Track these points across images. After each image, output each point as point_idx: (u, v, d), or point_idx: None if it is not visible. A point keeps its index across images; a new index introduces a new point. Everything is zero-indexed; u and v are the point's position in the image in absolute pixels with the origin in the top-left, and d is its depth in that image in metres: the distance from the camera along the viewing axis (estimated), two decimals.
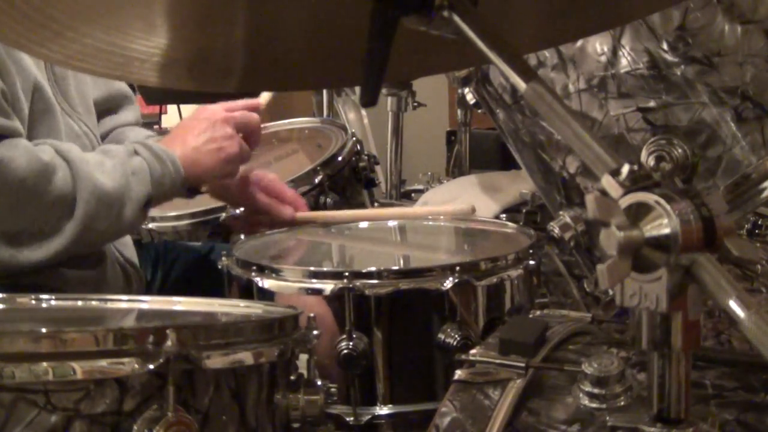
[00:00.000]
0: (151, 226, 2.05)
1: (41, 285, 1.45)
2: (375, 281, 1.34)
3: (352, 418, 1.35)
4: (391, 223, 1.80)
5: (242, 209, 1.81)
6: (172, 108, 4.51)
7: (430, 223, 1.84)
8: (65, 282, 1.50)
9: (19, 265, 1.43)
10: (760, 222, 1.45)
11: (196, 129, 1.63)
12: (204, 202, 2.07)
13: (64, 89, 1.60)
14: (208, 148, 1.61)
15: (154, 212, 2.12)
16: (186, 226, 2.03)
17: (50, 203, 1.41)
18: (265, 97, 1.93)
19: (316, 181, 2.02)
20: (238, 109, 1.68)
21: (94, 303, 1.26)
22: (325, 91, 3.06)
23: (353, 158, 2.13)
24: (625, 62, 1.20)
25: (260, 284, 1.40)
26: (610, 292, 0.95)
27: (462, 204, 1.92)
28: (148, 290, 1.73)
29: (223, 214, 1.98)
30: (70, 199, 1.43)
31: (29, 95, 1.48)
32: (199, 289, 1.78)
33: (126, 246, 1.68)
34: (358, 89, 2.52)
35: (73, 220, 1.43)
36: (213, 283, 1.64)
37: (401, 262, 1.61)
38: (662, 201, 0.65)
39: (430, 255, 1.70)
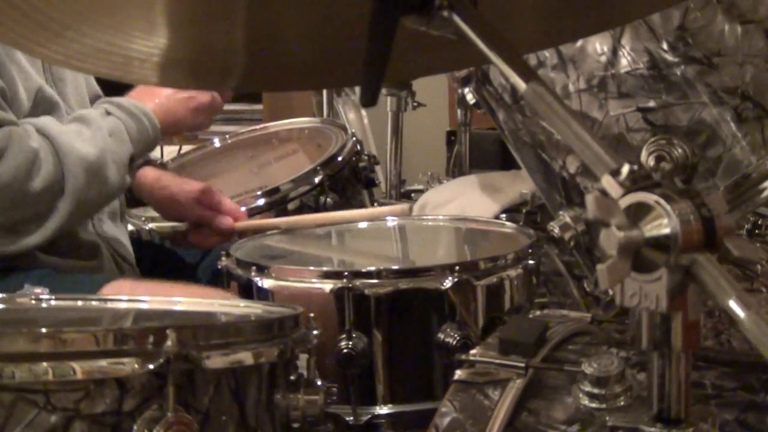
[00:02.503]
0: (151, 226, 2.05)
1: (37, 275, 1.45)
2: (374, 281, 1.34)
3: (351, 418, 1.35)
4: (391, 223, 1.80)
5: (183, 223, 1.81)
6: None
7: (430, 223, 1.84)
8: (62, 268, 1.50)
9: (19, 249, 1.44)
10: (760, 222, 1.45)
11: None
12: None
13: (61, 90, 1.60)
14: (179, 96, 1.62)
15: (153, 212, 2.12)
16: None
17: (41, 188, 1.42)
18: None
19: (316, 181, 2.02)
20: None
21: (93, 303, 1.26)
22: (325, 91, 3.05)
23: (353, 158, 2.13)
24: (625, 62, 1.20)
25: (260, 284, 1.40)
26: (610, 292, 0.95)
27: (401, 205, 1.94)
28: None
29: None
30: (59, 177, 1.43)
31: (32, 95, 1.48)
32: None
33: (121, 244, 1.68)
34: (358, 89, 2.52)
35: (64, 197, 1.43)
36: (211, 283, 1.64)
37: (401, 261, 1.61)
38: (662, 201, 0.65)
39: (429, 255, 1.70)
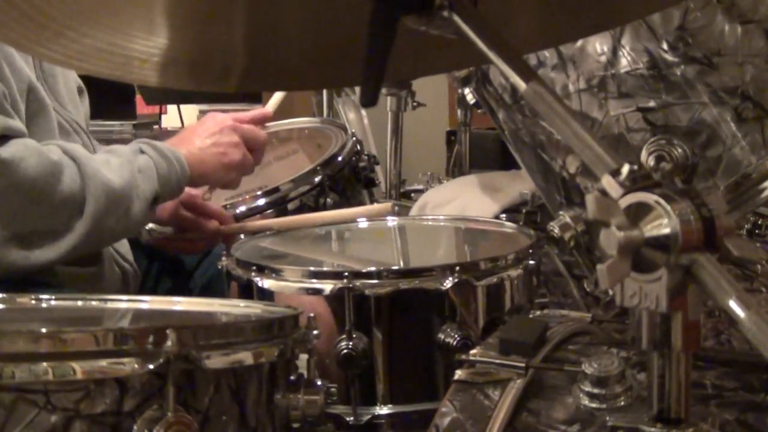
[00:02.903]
0: (151, 226, 2.05)
1: (38, 282, 1.45)
2: (375, 281, 1.34)
3: (352, 418, 1.35)
4: (391, 223, 1.80)
5: (168, 228, 1.81)
6: (172, 108, 4.51)
7: (430, 223, 1.84)
8: (62, 279, 1.50)
9: (31, 266, 1.43)
10: (760, 222, 1.45)
11: (203, 132, 1.64)
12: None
13: (53, 85, 1.60)
14: (213, 151, 1.63)
15: None
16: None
17: (60, 202, 1.41)
18: (276, 98, 1.94)
19: (316, 181, 2.02)
20: (246, 119, 1.70)
21: (94, 303, 1.26)
22: (325, 91, 3.06)
23: (353, 158, 2.13)
24: (625, 62, 1.20)
25: (260, 284, 1.40)
26: (610, 292, 0.95)
27: (384, 204, 1.94)
28: (143, 288, 1.73)
29: None
30: (80, 197, 1.43)
31: (24, 96, 1.48)
32: (196, 288, 1.79)
33: (122, 244, 1.68)
34: (358, 89, 2.52)
35: (83, 219, 1.43)
36: (211, 283, 1.64)
37: (401, 261, 1.61)
38: (662, 201, 0.65)
39: (429, 255, 1.70)
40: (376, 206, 1.99)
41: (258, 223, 1.82)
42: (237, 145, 1.65)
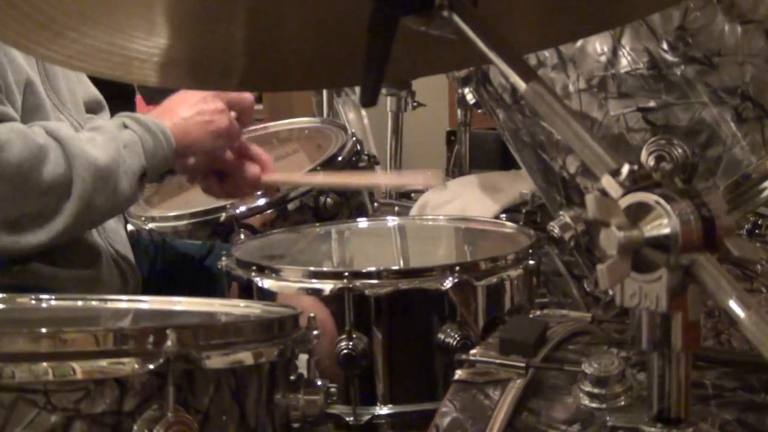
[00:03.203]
0: (151, 225, 2.05)
1: (36, 288, 1.44)
2: (375, 281, 1.34)
3: (351, 418, 1.35)
4: (391, 223, 1.80)
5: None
6: None
7: (430, 223, 1.84)
8: (60, 282, 1.50)
9: (21, 250, 1.43)
10: (760, 222, 1.45)
11: (187, 102, 1.62)
12: (204, 202, 2.07)
13: (54, 85, 1.60)
14: (197, 119, 1.60)
15: (154, 212, 2.12)
16: (186, 226, 2.03)
17: (47, 185, 1.41)
18: None
19: None
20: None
21: (93, 303, 1.26)
22: (325, 91, 3.06)
23: (353, 158, 2.13)
24: (625, 62, 1.20)
25: (260, 284, 1.40)
26: (610, 292, 0.95)
27: (434, 171, 1.92)
28: (144, 288, 1.73)
29: (224, 214, 1.98)
30: (67, 178, 1.42)
31: (21, 89, 1.48)
32: (197, 288, 1.78)
33: (121, 243, 1.68)
34: (358, 89, 2.52)
35: (71, 200, 1.43)
36: (211, 283, 1.64)
37: (401, 261, 1.61)
38: (662, 201, 0.65)
39: (429, 255, 1.70)
40: (424, 174, 1.94)
41: (299, 177, 1.79)
42: (222, 111, 1.62)
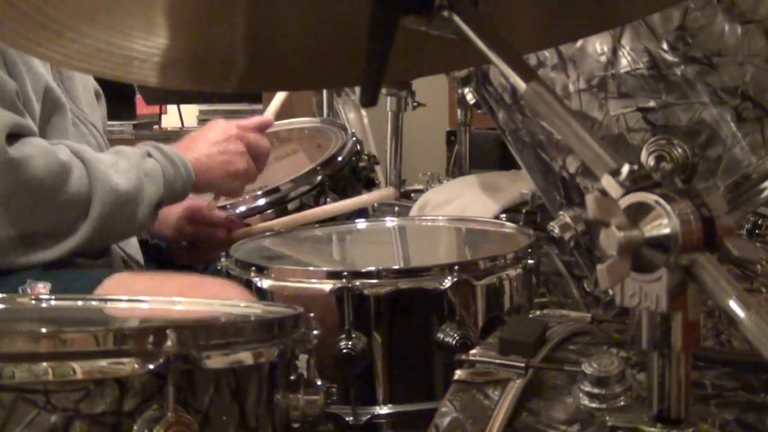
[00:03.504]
0: None
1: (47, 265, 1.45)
2: (374, 281, 1.34)
3: (351, 418, 1.35)
4: (390, 223, 1.80)
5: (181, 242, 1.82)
6: (172, 108, 4.51)
7: (430, 223, 1.84)
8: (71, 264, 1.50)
9: (31, 265, 1.43)
10: (760, 222, 1.45)
11: (210, 139, 1.65)
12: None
13: (70, 88, 1.60)
14: (219, 159, 1.64)
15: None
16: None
17: (67, 203, 1.41)
18: (276, 101, 1.95)
19: (316, 181, 2.02)
20: (250, 127, 1.71)
21: (94, 303, 1.26)
22: (325, 91, 3.05)
23: (353, 158, 2.13)
24: (625, 62, 1.20)
25: (259, 284, 1.40)
26: (610, 292, 0.95)
27: (387, 190, 1.95)
28: None
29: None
30: (86, 199, 1.43)
31: (40, 97, 1.48)
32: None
33: (130, 245, 1.68)
34: (358, 89, 2.52)
35: (88, 220, 1.43)
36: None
37: (401, 262, 1.61)
38: (662, 201, 0.65)
39: (429, 255, 1.70)
40: (378, 192, 1.99)
41: (264, 225, 1.83)
42: (242, 154, 1.67)
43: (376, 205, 2.27)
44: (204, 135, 1.68)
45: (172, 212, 1.78)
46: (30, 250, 1.42)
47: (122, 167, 1.48)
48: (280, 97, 1.99)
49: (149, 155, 1.54)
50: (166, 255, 1.85)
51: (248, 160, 1.68)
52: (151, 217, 1.52)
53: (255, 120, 1.77)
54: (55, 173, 1.39)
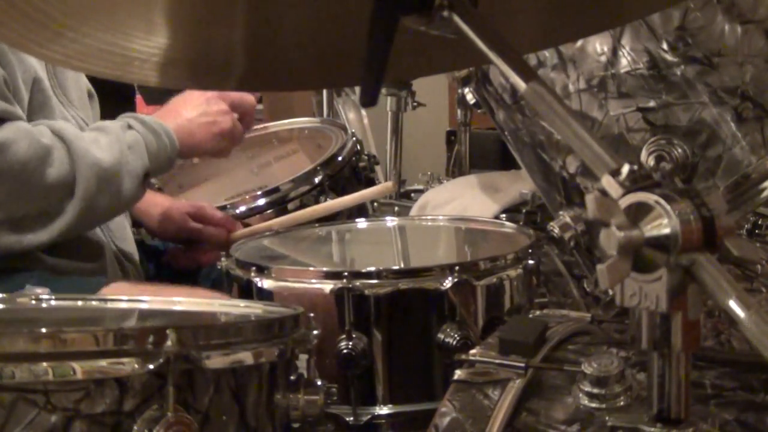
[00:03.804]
0: None
1: (39, 276, 1.45)
2: (374, 281, 1.34)
3: (351, 418, 1.35)
4: (390, 223, 1.80)
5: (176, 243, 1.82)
6: None
7: (430, 223, 1.84)
8: (62, 272, 1.50)
9: (23, 249, 1.43)
10: (760, 222, 1.45)
11: (190, 103, 1.63)
12: (204, 201, 2.07)
13: (62, 81, 1.60)
14: (201, 120, 1.62)
15: None
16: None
17: (51, 185, 1.41)
18: None
19: (316, 181, 2.02)
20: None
21: (94, 303, 1.26)
22: (325, 91, 3.06)
23: (353, 158, 2.13)
24: (625, 62, 1.20)
25: (260, 284, 1.40)
26: (610, 292, 0.95)
27: (386, 185, 1.96)
28: None
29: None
30: (70, 178, 1.42)
31: (29, 86, 1.48)
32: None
33: (125, 241, 1.68)
34: (358, 89, 2.52)
35: (74, 199, 1.43)
36: (216, 285, 1.64)
37: (401, 262, 1.61)
38: (662, 201, 0.65)
39: (430, 255, 1.70)
40: (376, 188, 1.99)
41: (264, 224, 1.83)
42: (226, 112, 1.64)
43: (376, 204, 2.27)
44: (185, 99, 1.65)
45: (173, 212, 1.78)
46: (20, 233, 1.42)
47: (103, 142, 1.47)
48: None
49: (129, 127, 1.53)
50: (164, 256, 1.85)
51: (233, 118, 1.65)
52: (139, 189, 1.51)
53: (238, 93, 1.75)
54: (38, 156, 1.39)
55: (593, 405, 0.91)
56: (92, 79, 1.77)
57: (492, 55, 0.76)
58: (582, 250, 1.27)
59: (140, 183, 1.51)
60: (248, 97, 1.71)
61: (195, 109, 1.62)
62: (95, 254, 1.58)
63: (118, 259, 1.64)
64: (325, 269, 1.42)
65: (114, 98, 1.86)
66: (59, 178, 1.41)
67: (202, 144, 1.63)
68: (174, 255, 1.82)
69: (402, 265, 1.53)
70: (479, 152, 2.87)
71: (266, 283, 1.40)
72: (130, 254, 1.68)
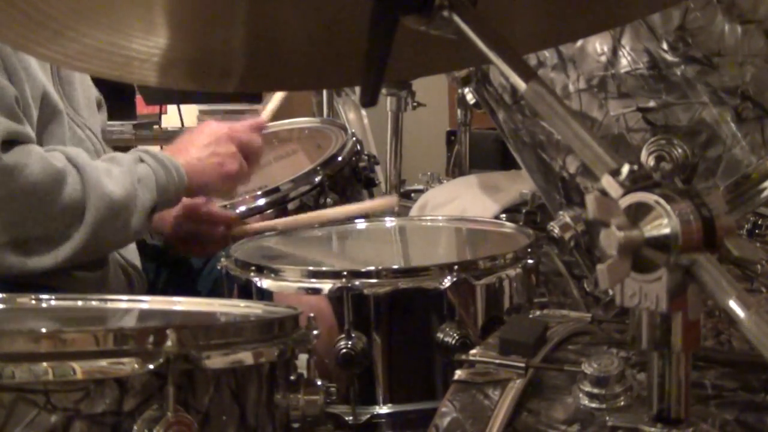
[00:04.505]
0: None
1: (41, 286, 1.45)
2: (374, 280, 1.34)
3: (351, 418, 1.35)
4: (390, 223, 1.80)
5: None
6: (172, 108, 4.51)
7: (430, 223, 1.84)
8: (67, 283, 1.50)
9: (27, 272, 1.44)
10: (760, 222, 1.45)
11: (201, 141, 1.65)
12: None
13: (69, 93, 1.60)
14: (210, 161, 1.64)
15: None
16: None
17: (61, 210, 1.41)
18: (273, 103, 1.95)
19: (316, 181, 2.02)
20: (242, 129, 1.71)
21: (94, 303, 1.26)
22: (325, 91, 3.05)
23: (353, 158, 2.13)
24: (625, 62, 1.20)
25: (259, 284, 1.40)
26: (610, 292, 0.95)
27: (391, 199, 1.96)
28: (150, 290, 1.73)
29: None
30: (81, 206, 1.43)
31: (38, 102, 1.49)
32: (204, 291, 1.79)
33: (128, 249, 1.68)
34: (358, 89, 2.52)
35: (82, 227, 1.43)
36: (217, 285, 1.64)
37: (401, 262, 1.61)
38: (662, 201, 0.65)
39: (429, 255, 1.70)
40: (379, 201, 2.00)
41: (267, 223, 1.83)
42: (234, 155, 1.66)
43: None
44: (195, 138, 1.67)
45: (163, 214, 1.78)
46: (25, 256, 1.43)
47: (115, 174, 1.48)
48: (278, 97, 1.99)
49: (141, 161, 1.54)
50: (163, 255, 1.84)
51: (240, 160, 1.67)
52: (146, 223, 1.52)
53: (248, 122, 1.77)
54: (50, 180, 1.40)
55: (593, 405, 0.91)
56: (93, 79, 1.77)
57: (492, 55, 0.76)
58: (582, 250, 1.27)
59: (147, 217, 1.52)
60: (256, 141, 1.74)
61: (204, 149, 1.64)
62: (99, 264, 1.58)
63: (122, 267, 1.64)
64: (324, 269, 1.42)
65: (114, 98, 1.86)
66: (70, 204, 1.42)
67: (210, 183, 1.65)
68: (175, 245, 1.81)
69: (402, 265, 1.53)
70: (479, 152, 2.87)
71: (266, 283, 1.40)
72: (133, 261, 1.68)
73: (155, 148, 1.74)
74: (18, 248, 1.42)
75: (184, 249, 1.80)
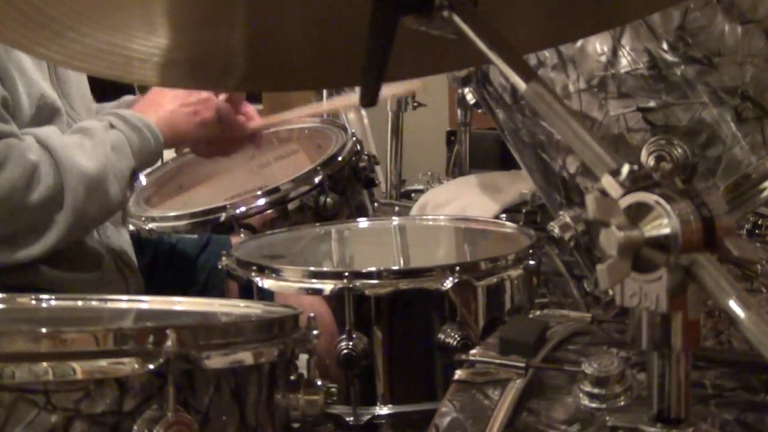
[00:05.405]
0: (151, 226, 2.05)
1: (38, 288, 1.45)
2: (375, 281, 1.34)
3: (352, 418, 1.35)
4: (391, 223, 1.80)
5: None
6: None
7: (430, 223, 1.84)
8: (64, 285, 1.50)
9: (17, 262, 1.44)
10: (760, 222, 1.45)
11: (170, 93, 1.62)
12: (204, 202, 2.07)
13: (66, 92, 1.60)
14: (183, 111, 1.61)
15: (154, 212, 2.12)
16: (186, 226, 2.03)
17: (39, 201, 1.41)
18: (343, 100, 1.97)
19: (316, 181, 2.02)
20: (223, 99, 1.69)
21: (93, 303, 1.26)
22: (325, 91, 3.05)
23: (353, 158, 2.13)
24: (625, 62, 1.20)
25: (260, 284, 1.40)
26: (610, 292, 0.95)
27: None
28: (147, 285, 1.73)
29: (223, 215, 1.98)
30: (58, 191, 1.42)
31: (35, 102, 1.48)
32: (196, 284, 1.78)
33: (123, 247, 1.68)
34: (358, 89, 2.51)
35: (63, 211, 1.43)
36: (212, 276, 1.64)
37: (401, 262, 1.61)
38: (662, 201, 0.65)
39: (430, 255, 1.70)
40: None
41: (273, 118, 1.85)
42: (206, 100, 1.62)
43: (376, 204, 2.28)
44: (162, 91, 1.64)
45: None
46: (12, 249, 1.43)
47: (88, 147, 1.47)
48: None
49: (112, 126, 1.52)
50: (158, 251, 1.84)
51: (215, 104, 1.63)
52: (126, 190, 1.51)
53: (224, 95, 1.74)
54: (27, 175, 1.39)
55: (593, 405, 0.91)
56: (92, 79, 1.76)
57: (492, 55, 0.76)
58: (582, 250, 1.27)
59: (126, 183, 1.51)
60: (229, 106, 1.71)
61: (176, 100, 1.61)
62: (95, 264, 1.58)
63: (117, 265, 1.64)
64: (325, 269, 1.42)
65: (114, 98, 1.86)
66: (47, 195, 1.42)
67: (186, 134, 1.62)
68: (197, 149, 1.80)
69: (402, 265, 1.53)
70: (479, 152, 2.87)
71: (267, 283, 1.40)
72: (128, 259, 1.68)
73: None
74: (4, 243, 1.42)
75: (206, 150, 1.78)
